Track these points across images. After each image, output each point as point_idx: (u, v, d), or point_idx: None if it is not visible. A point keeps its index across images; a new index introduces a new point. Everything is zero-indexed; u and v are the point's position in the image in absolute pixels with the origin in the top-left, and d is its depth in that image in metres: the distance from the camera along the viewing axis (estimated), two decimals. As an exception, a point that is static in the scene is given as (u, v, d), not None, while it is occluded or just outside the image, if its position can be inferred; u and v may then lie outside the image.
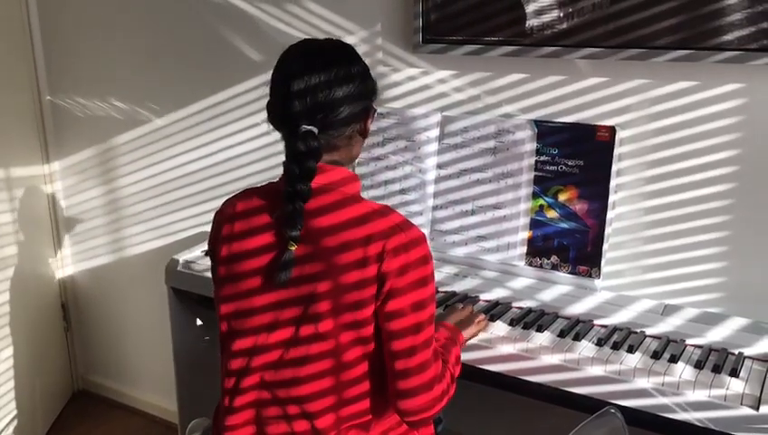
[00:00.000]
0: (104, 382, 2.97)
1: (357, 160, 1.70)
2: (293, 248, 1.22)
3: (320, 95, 1.21)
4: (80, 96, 2.63)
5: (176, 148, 2.43)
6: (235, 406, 1.32)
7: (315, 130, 1.21)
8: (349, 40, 1.98)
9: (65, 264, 2.87)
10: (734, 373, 1.37)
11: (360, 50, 1.96)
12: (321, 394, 1.27)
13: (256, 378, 1.29)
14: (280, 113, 1.25)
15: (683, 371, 1.40)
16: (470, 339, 1.53)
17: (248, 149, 2.27)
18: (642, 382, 1.40)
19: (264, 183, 1.35)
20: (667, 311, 1.64)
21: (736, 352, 1.46)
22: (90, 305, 2.91)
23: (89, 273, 2.86)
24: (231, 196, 1.37)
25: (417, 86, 1.93)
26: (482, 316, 1.58)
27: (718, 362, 1.41)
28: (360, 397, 1.29)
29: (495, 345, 1.54)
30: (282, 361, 1.27)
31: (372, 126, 1.35)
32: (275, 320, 1.26)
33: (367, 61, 1.94)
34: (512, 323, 1.59)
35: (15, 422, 2.53)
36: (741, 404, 1.32)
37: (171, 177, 2.48)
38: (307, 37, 1.34)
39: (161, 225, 2.57)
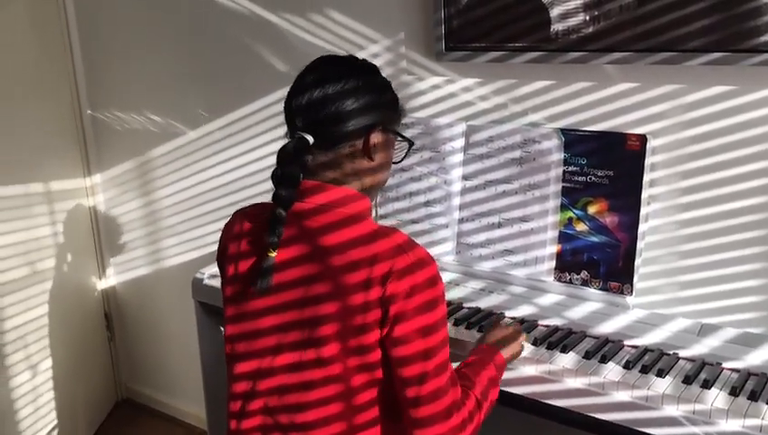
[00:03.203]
0: (147, 392, 3.01)
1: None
2: (273, 255, 1.19)
3: (318, 108, 1.18)
4: (117, 110, 2.67)
5: (209, 159, 2.44)
6: (240, 430, 1.29)
7: (309, 138, 1.19)
8: (373, 49, 1.97)
9: (108, 275, 2.92)
10: (773, 401, 1.27)
11: (385, 58, 1.95)
12: (325, 421, 1.22)
13: (261, 403, 1.26)
14: (287, 123, 1.24)
15: (716, 398, 1.30)
16: (513, 359, 1.43)
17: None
18: (671, 410, 1.31)
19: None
20: (704, 331, 1.54)
21: (777, 377, 1.35)
22: (132, 315, 2.95)
23: (131, 283, 2.90)
24: (238, 210, 1.34)
25: (441, 95, 1.88)
26: (523, 334, 1.49)
27: (756, 388, 1.31)
28: (368, 425, 1.23)
29: (517, 366, 1.46)
30: (287, 386, 1.23)
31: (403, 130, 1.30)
32: (279, 343, 1.22)
33: (391, 70, 1.93)
34: (536, 342, 1.51)
35: (57, 430, 2.58)
36: (778, 436, 1.22)
37: (207, 187, 2.49)
38: (327, 54, 1.31)
39: (198, 236, 2.58)
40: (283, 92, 2.15)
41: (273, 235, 1.18)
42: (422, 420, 1.17)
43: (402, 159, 1.33)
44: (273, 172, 1.20)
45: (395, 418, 1.23)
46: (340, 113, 1.18)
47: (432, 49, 1.84)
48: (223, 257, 1.33)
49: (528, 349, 1.49)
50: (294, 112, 1.21)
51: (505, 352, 1.40)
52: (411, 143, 1.32)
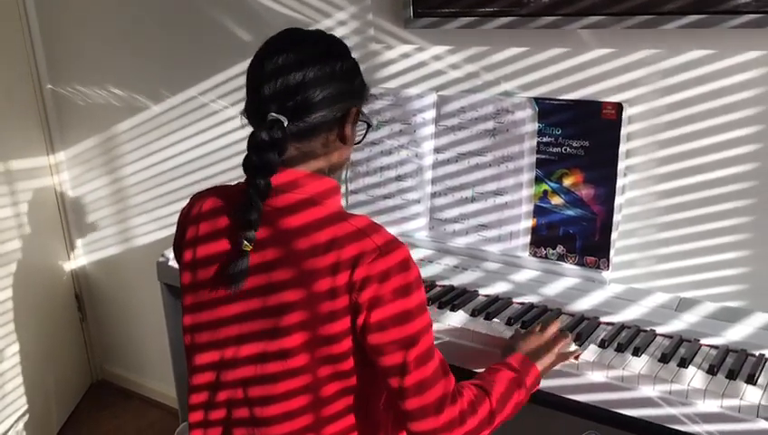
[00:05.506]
0: (122, 373, 2.95)
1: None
2: (248, 249, 1.11)
3: (295, 96, 1.09)
4: (79, 84, 2.56)
5: (175, 134, 2.35)
6: (207, 420, 1.23)
7: (284, 120, 1.10)
8: (339, 16, 1.88)
9: (77, 255, 2.83)
10: (752, 380, 1.22)
11: (351, 26, 1.86)
12: (290, 415, 1.15)
13: (225, 395, 1.20)
14: (252, 109, 1.14)
15: (693, 377, 1.25)
16: (548, 371, 1.29)
17: (247, 133, 2.17)
18: (647, 390, 1.26)
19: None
20: (682, 305, 1.49)
21: (757, 353, 1.30)
22: (104, 296, 2.88)
23: (101, 263, 2.82)
24: (195, 194, 1.27)
25: (411, 64, 1.80)
26: (567, 340, 1.33)
27: (734, 366, 1.26)
28: (335, 417, 1.16)
29: (488, 346, 1.41)
30: (251, 377, 1.16)
31: (365, 108, 1.22)
32: (242, 333, 1.16)
33: (358, 38, 1.85)
34: (509, 321, 1.46)
35: (28, 416, 2.52)
36: (757, 416, 1.17)
37: (174, 164, 2.40)
38: (291, 27, 1.20)
39: (167, 214, 2.51)
40: (246, 64, 2.08)
41: (250, 227, 1.11)
42: (412, 413, 1.10)
43: (362, 140, 1.26)
44: (247, 160, 1.11)
45: (366, 410, 1.18)
46: (317, 102, 1.10)
47: (400, 15, 1.75)
48: (181, 243, 1.25)
49: (500, 328, 1.44)
50: (268, 99, 1.10)
51: (540, 365, 1.27)
52: (370, 124, 1.26)
